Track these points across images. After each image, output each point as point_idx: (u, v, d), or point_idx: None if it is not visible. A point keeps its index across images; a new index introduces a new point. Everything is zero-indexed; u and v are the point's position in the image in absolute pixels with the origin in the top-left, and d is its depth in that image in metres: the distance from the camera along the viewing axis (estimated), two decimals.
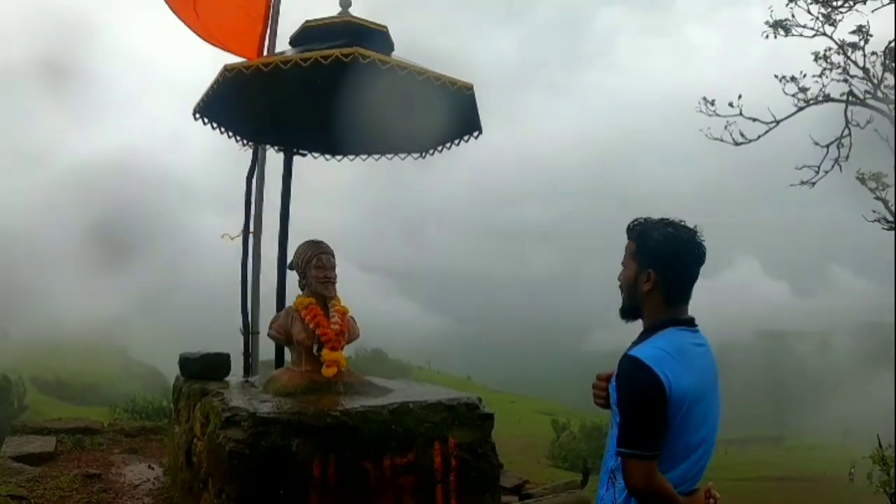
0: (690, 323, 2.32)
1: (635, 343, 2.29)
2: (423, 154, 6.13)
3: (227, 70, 4.21)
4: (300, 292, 5.18)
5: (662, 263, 2.27)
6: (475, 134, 5.45)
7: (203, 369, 5.20)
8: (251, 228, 6.40)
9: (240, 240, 6.40)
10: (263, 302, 6.45)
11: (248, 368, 6.26)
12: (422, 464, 4.24)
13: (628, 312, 2.40)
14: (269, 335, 5.27)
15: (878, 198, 9.96)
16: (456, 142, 5.70)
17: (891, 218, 9.81)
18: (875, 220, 9.99)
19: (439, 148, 5.92)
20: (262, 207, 6.42)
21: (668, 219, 2.34)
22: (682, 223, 2.32)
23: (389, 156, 6.32)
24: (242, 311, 6.34)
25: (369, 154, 6.33)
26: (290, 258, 6.02)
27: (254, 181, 6.31)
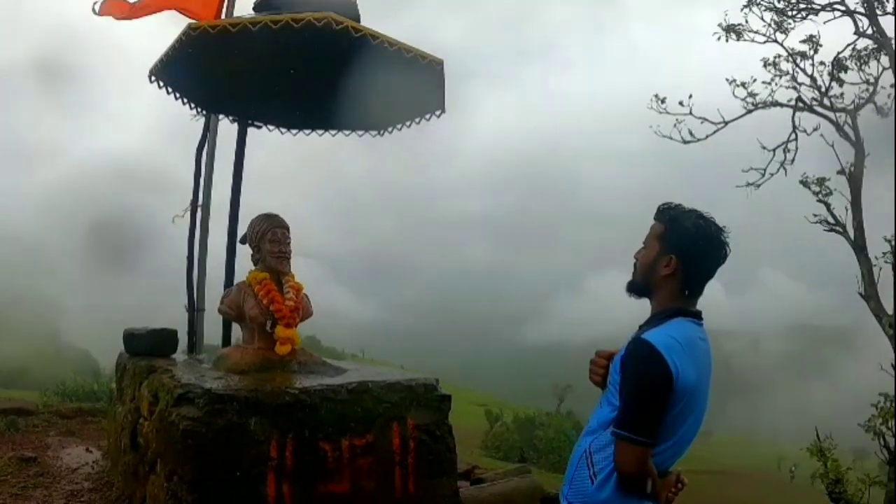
0: (698, 316, 2.32)
1: (644, 327, 2.28)
2: (382, 132, 6.01)
3: (192, 29, 3.98)
4: (252, 267, 5.00)
5: (687, 253, 2.26)
6: (437, 113, 5.36)
7: (150, 346, 4.96)
8: (199, 202, 6.19)
9: (185, 218, 6.18)
10: (209, 279, 6.26)
11: (193, 346, 6.05)
12: (380, 445, 4.13)
13: (636, 289, 2.39)
14: (219, 310, 5.07)
15: (820, 201, 10.33)
16: (417, 120, 5.59)
17: (832, 220, 10.20)
18: (817, 222, 10.39)
19: (398, 126, 5.81)
20: (212, 181, 6.22)
21: (699, 210, 2.33)
22: (712, 219, 2.31)
23: (346, 132, 6.18)
24: (188, 288, 6.12)
25: (326, 129, 6.17)
26: (240, 233, 5.88)
27: (204, 153, 6.09)
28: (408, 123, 5.68)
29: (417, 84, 4.74)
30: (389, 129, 5.90)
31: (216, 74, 4.79)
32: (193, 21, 4.01)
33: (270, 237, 4.85)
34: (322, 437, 3.89)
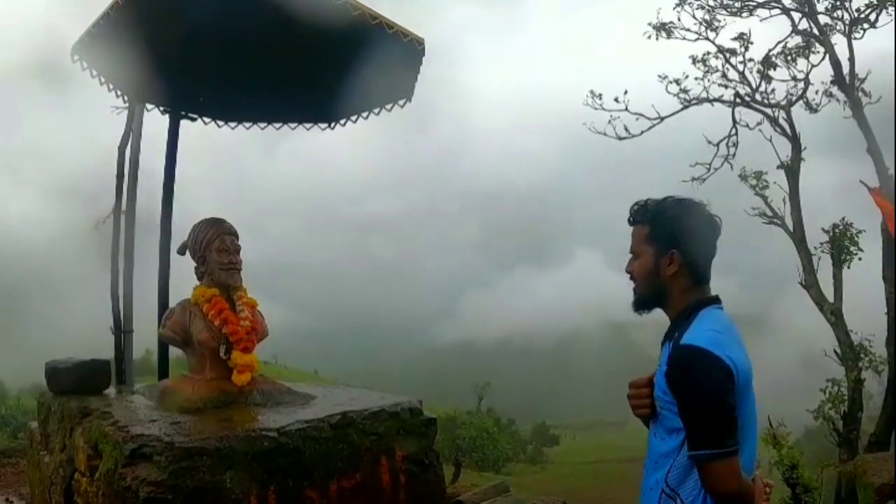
0: (718, 300, 2.12)
1: (673, 332, 2.04)
2: (333, 124, 5.42)
3: None
4: (197, 282, 4.31)
5: (684, 241, 2.06)
6: (402, 102, 4.80)
7: (79, 382, 4.13)
8: (123, 207, 5.37)
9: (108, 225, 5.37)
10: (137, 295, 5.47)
11: (122, 376, 5.22)
12: (369, 484, 3.63)
13: (647, 303, 2.15)
14: (161, 335, 4.35)
15: (758, 194, 10.46)
16: (377, 111, 5.02)
17: (770, 213, 10.34)
18: (756, 215, 10.50)
19: (354, 118, 5.23)
20: (138, 181, 5.41)
21: (673, 196, 2.14)
22: (688, 197, 2.14)
23: (293, 125, 5.52)
24: (113, 307, 5.29)
25: (270, 121, 5.48)
26: (174, 240, 5.11)
27: (128, 149, 5.28)
28: (365, 115, 5.14)
29: (390, 67, 4.16)
30: (343, 122, 5.33)
31: (150, 55, 4.02)
32: None
33: (218, 246, 4.22)
34: (308, 485, 3.32)
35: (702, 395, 1.89)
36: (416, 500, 3.82)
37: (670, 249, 2.05)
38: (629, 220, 2.16)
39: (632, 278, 2.16)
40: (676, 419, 1.95)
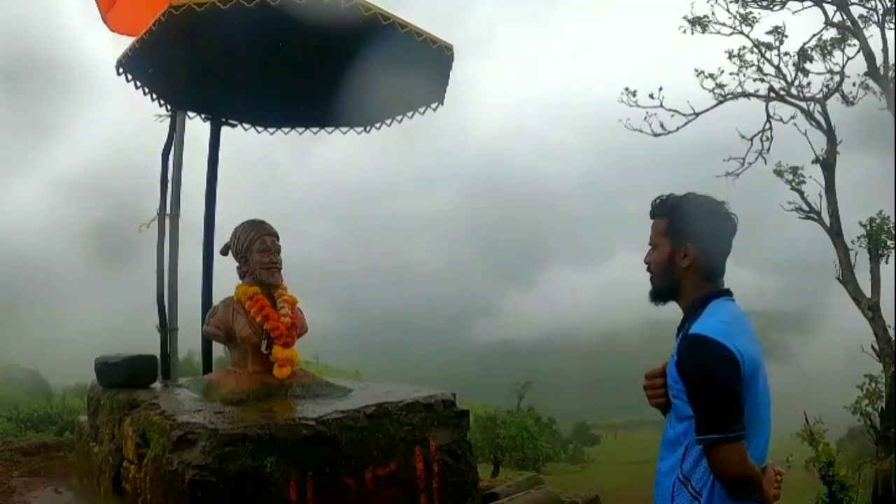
0: (730, 293, 2.19)
1: (685, 324, 2.12)
2: (369, 128, 5.58)
3: (174, 9, 3.41)
4: (239, 281, 4.50)
5: (700, 236, 2.14)
6: (434, 106, 4.95)
7: (128, 376, 4.36)
8: (168, 210, 5.61)
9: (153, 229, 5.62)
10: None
11: (167, 371, 5.48)
12: (404, 472, 3.77)
13: (662, 295, 2.24)
14: (205, 331, 4.56)
15: (794, 189, 10.35)
16: (410, 114, 5.18)
17: (806, 208, 10.23)
18: (792, 210, 10.39)
19: (388, 121, 5.40)
20: (181, 185, 5.65)
21: (693, 193, 2.22)
22: (708, 195, 2.22)
23: (330, 129, 5.71)
24: (159, 306, 5.54)
25: (308, 126, 5.68)
26: (217, 242, 5.34)
27: (171, 156, 5.53)
28: (399, 118, 5.30)
29: (421, 73, 4.33)
30: (378, 125, 5.51)
31: (191, 66, 4.23)
32: (175, 2, 3.41)
33: (259, 247, 4.42)
34: (344, 472, 3.47)
35: (707, 381, 1.97)
36: (448, 490, 3.94)
37: (685, 243, 2.13)
38: (650, 214, 2.25)
39: (648, 269, 2.24)
40: (687, 407, 2.03)
